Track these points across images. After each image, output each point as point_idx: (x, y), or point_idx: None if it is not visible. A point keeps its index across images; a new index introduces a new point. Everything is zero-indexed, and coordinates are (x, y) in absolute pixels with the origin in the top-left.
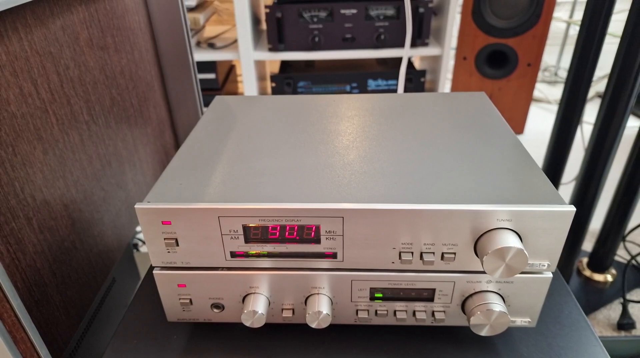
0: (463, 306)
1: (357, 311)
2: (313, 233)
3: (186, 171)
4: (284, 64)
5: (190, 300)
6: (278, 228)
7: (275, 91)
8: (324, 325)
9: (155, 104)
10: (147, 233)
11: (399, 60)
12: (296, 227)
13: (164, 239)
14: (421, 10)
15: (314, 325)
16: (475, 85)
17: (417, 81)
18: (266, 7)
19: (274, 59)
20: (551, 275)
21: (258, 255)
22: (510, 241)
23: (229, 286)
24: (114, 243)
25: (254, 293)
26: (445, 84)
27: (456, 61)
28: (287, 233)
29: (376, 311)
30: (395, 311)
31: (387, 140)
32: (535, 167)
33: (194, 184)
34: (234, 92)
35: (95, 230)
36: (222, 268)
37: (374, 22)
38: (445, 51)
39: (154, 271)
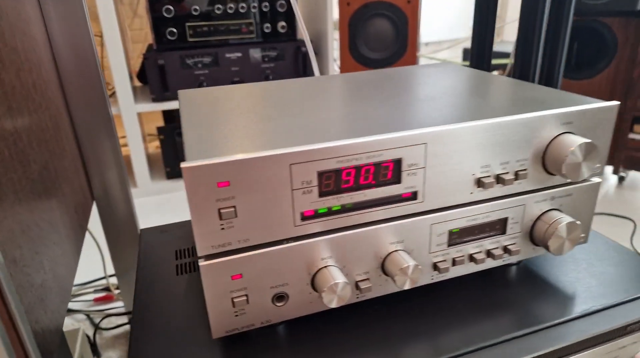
0: (531, 234)
1: (434, 264)
2: (390, 172)
3: (218, 129)
4: (168, 116)
5: (247, 296)
6: (353, 172)
7: (165, 144)
8: (417, 280)
9: (67, 135)
10: (196, 205)
11: None
12: (372, 169)
13: (219, 210)
14: (303, 49)
15: (407, 286)
16: None
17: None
18: (144, 55)
19: (156, 109)
20: (599, 180)
21: (329, 213)
22: (579, 139)
23: (296, 263)
24: (49, 324)
25: (325, 266)
26: None
27: None
28: (362, 178)
29: (454, 260)
30: (471, 256)
31: (410, 94)
32: (543, 88)
33: (245, 135)
34: None
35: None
36: (288, 241)
37: (260, 64)
38: None
39: (200, 264)
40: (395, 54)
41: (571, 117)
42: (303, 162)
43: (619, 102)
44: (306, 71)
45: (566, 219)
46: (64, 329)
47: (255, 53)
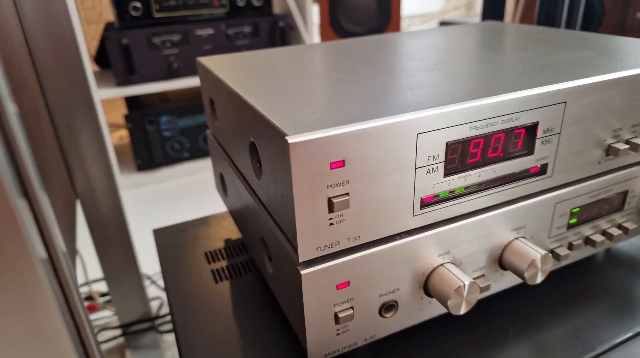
0: None
1: (551, 251)
2: (521, 141)
3: (303, 101)
4: (132, 103)
5: (353, 309)
6: (481, 143)
7: (135, 133)
8: (546, 275)
9: (47, 123)
10: (303, 196)
11: None
12: (502, 137)
13: (330, 200)
14: (281, 24)
15: (538, 280)
16: None
17: None
18: (104, 34)
19: (122, 95)
20: None
21: (451, 197)
22: None
23: (410, 262)
24: None
25: (442, 264)
26: None
27: None
28: (490, 150)
29: (570, 244)
30: (587, 238)
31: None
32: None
33: (345, 106)
34: None
35: None
36: (403, 235)
37: (234, 41)
38: None
39: (302, 272)
40: (377, 27)
41: None
42: (433, 130)
43: None
44: (283, 46)
45: None
46: None
47: (229, 29)
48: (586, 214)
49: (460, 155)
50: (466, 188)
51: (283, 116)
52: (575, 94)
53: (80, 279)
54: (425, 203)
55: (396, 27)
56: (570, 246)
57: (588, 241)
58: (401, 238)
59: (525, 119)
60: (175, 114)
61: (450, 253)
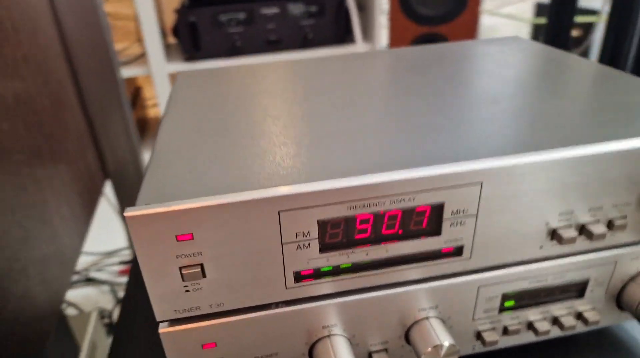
0: (620, 298)
1: (478, 333)
2: (427, 220)
3: (188, 156)
4: None
5: None
6: (371, 220)
7: None
8: None
9: (72, 111)
10: (149, 263)
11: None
12: (400, 215)
13: (181, 269)
14: (347, 4)
15: None
16: None
17: None
18: (176, 11)
19: (188, 70)
20: None
21: (337, 271)
22: None
23: (288, 332)
24: (45, 305)
25: (328, 335)
26: None
27: None
28: (384, 227)
29: (505, 328)
30: (530, 324)
31: (448, 92)
32: None
33: (215, 171)
34: (144, 119)
35: (17, 287)
36: (278, 305)
37: (299, 21)
38: (375, 47)
39: (160, 331)
40: (453, 10)
41: None
42: (298, 209)
43: None
44: (349, 29)
45: None
46: (81, 306)
47: (295, 9)
48: (529, 298)
49: (344, 231)
50: (354, 264)
51: (166, 173)
52: (494, 175)
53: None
54: (301, 276)
55: (473, 11)
56: (506, 331)
57: (532, 327)
58: (276, 307)
59: (426, 200)
60: None
61: (338, 326)
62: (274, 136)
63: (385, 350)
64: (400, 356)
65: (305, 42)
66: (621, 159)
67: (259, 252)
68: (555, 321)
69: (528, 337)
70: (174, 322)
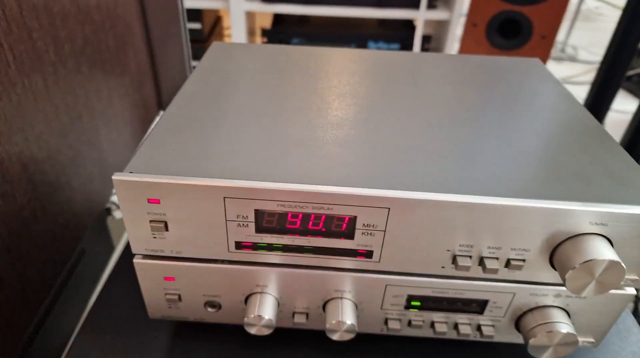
0: (518, 322)
1: (386, 320)
2: (345, 226)
3: (179, 135)
4: (277, 19)
5: (179, 296)
6: (300, 216)
7: None
8: (348, 337)
9: (135, 49)
10: (128, 212)
11: (401, 22)
12: (324, 217)
13: (150, 222)
14: None
15: (335, 337)
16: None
17: (421, 48)
18: None
19: (265, 12)
20: (634, 292)
21: (270, 248)
22: (604, 251)
23: (229, 282)
24: (84, 211)
25: (260, 292)
26: (452, 52)
27: (465, 27)
28: (311, 224)
29: (410, 321)
30: (433, 323)
31: (434, 112)
32: (625, 156)
33: (191, 153)
34: None
35: (61, 195)
36: (223, 261)
37: None
38: (455, 16)
39: (134, 260)
40: None
41: (607, 219)
42: (239, 198)
43: None
44: None
45: (563, 328)
46: (118, 215)
47: None
48: (433, 303)
49: (278, 220)
50: (284, 245)
51: (156, 147)
52: (402, 205)
53: None
54: (242, 246)
55: None
56: (410, 324)
57: (434, 325)
58: (221, 263)
59: (342, 211)
60: (306, 37)
61: (268, 286)
62: (261, 129)
63: (307, 314)
64: (318, 321)
65: (379, 1)
66: (526, 215)
67: (209, 222)
68: (455, 326)
69: (429, 333)
70: (145, 256)
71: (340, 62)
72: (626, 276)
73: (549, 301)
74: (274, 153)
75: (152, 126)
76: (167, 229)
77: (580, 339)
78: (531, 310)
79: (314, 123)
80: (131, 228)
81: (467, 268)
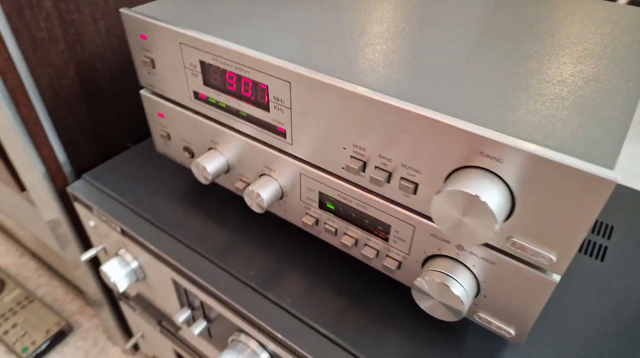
0: (423, 268)
1: (305, 213)
2: (266, 96)
3: None
4: None
5: (168, 134)
6: (235, 77)
7: None
8: (258, 210)
9: None
10: (132, 44)
11: None
12: (250, 83)
13: (143, 56)
14: None
15: (248, 203)
16: None
17: None
18: None
19: None
20: (558, 278)
21: (217, 105)
22: (477, 187)
23: (195, 131)
24: None
25: (214, 149)
26: None
27: None
28: (242, 89)
29: (325, 224)
30: (344, 234)
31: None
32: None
33: (182, 5)
34: None
35: None
36: (189, 109)
37: None
38: None
39: (141, 92)
40: None
41: (502, 153)
42: (188, 46)
43: (617, 179)
44: None
45: (456, 288)
46: None
47: None
48: (343, 211)
49: (220, 78)
50: (226, 105)
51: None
52: (298, 80)
53: None
54: (198, 97)
55: None
56: (325, 228)
57: (344, 235)
58: (187, 111)
59: (258, 78)
60: None
61: (220, 146)
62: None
63: (247, 184)
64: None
65: None
66: (417, 124)
67: (175, 64)
68: (358, 243)
69: (337, 242)
70: (146, 90)
71: None
72: (538, 250)
73: (452, 252)
74: (236, 18)
75: None
76: (153, 66)
77: (496, 323)
78: (435, 256)
79: (287, 3)
80: (137, 61)
81: (355, 172)
